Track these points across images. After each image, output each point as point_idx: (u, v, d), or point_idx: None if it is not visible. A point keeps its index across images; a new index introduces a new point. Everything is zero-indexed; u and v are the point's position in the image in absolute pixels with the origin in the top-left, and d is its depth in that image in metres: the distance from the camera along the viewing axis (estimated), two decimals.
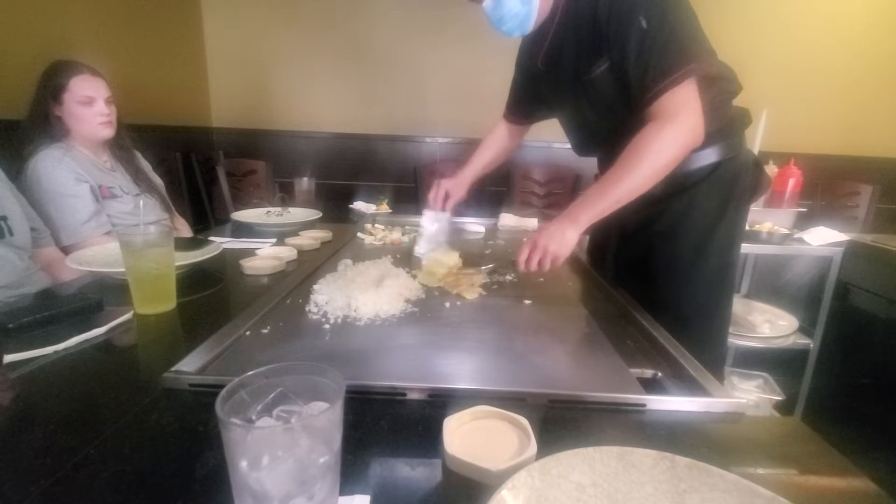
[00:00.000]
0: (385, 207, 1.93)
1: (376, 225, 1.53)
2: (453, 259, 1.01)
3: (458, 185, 1.30)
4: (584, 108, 1.02)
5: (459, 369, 0.66)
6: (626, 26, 0.83)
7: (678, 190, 0.97)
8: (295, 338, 0.72)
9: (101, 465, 0.43)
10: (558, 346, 0.75)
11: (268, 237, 1.37)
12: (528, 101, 1.24)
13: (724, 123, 0.97)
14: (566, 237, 0.87)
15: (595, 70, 0.91)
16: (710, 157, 0.96)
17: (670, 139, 0.83)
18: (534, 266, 0.88)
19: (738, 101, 1.01)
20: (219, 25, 3.14)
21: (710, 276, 0.99)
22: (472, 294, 0.92)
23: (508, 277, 0.98)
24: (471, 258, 1.10)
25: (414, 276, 0.98)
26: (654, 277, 1.00)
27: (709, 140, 0.92)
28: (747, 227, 1.71)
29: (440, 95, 3.23)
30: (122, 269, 0.80)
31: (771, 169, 2.02)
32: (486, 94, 3.22)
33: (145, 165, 1.68)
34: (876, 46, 3.02)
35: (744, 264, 2.31)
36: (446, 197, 1.28)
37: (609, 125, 0.99)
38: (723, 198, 0.97)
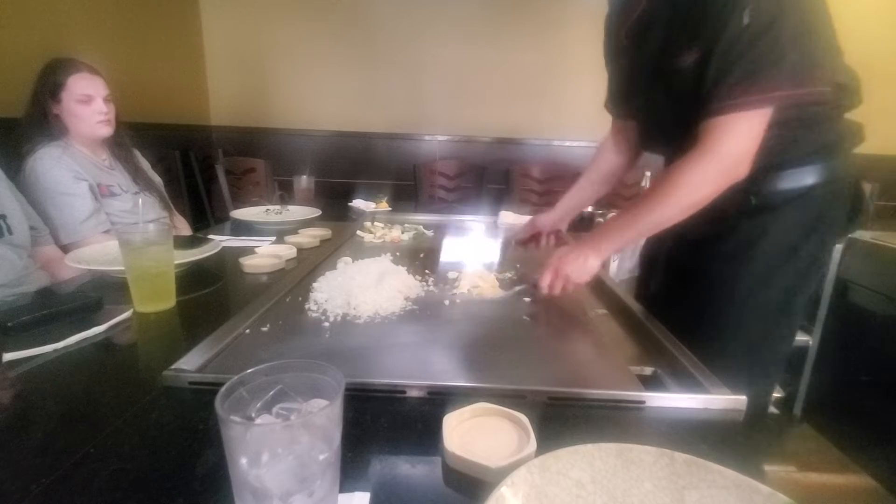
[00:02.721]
0: (384, 205, 1.93)
1: (376, 223, 1.53)
2: (489, 280, 1.01)
3: (553, 223, 1.12)
4: (659, 96, 0.89)
5: (459, 367, 0.66)
6: (727, 15, 0.69)
7: (754, 210, 0.84)
8: (295, 336, 0.72)
9: (100, 463, 0.43)
10: (558, 344, 0.75)
11: (267, 235, 1.37)
12: (618, 88, 1.05)
13: (828, 142, 0.82)
14: (587, 265, 0.83)
15: (683, 60, 0.78)
16: (800, 178, 0.82)
17: (708, 177, 0.75)
18: (556, 292, 0.86)
19: None
20: (217, 23, 3.14)
21: (769, 313, 0.86)
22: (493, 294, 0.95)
23: (526, 298, 0.97)
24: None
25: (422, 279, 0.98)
26: (705, 302, 0.88)
27: (802, 159, 0.80)
28: None
29: (439, 93, 3.22)
30: (122, 268, 0.80)
31: None
32: (485, 92, 3.24)
33: (144, 164, 1.68)
34: (875, 44, 3.01)
35: None
36: (537, 236, 1.11)
37: (681, 122, 0.84)
38: (805, 227, 0.83)
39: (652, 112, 0.95)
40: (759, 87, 0.69)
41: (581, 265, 0.84)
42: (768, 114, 0.72)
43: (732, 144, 0.73)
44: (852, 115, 0.84)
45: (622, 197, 2.85)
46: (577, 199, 1.15)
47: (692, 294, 0.91)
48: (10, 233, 1.09)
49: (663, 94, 0.88)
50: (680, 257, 0.97)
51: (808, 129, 0.79)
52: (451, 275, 1.01)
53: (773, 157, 0.79)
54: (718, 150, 0.74)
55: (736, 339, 0.86)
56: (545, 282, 0.86)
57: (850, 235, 1.93)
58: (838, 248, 1.87)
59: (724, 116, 0.72)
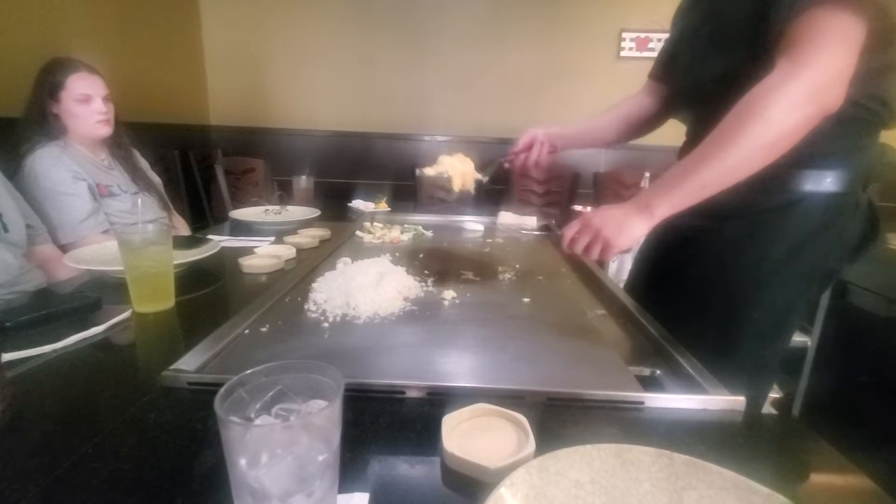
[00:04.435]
0: (384, 206, 1.93)
1: (375, 223, 1.53)
2: (468, 166, 1.00)
3: (549, 135, 0.98)
4: (703, 33, 0.76)
5: (458, 367, 0.66)
6: None
7: (740, 211, 0.75)
8: (294, 336, 0.72)
9: (99, 463, 0.43)
10: (557, 344, 0.75)
11: (266, 235, 1.36)
12: (670, 47, 0.94)
13: (850, 150, 0.72)
14: (629, 226, 0.68)
15: None
16: (802, 182, 0.71)
17: (796, 99, 0.58)
18: (580, 248, 0.72)
19: None
20: (217, 23, 3.14)
21: (745, 335, 0.77)
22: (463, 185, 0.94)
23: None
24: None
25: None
26: (680, 313, 0.77)
27: (811, 160, 0.70)
28: None
29: (439, 94, 3.23)
30: (121, 268, 0.80)
31: None
32: (485, 92, 3.24)
33: (143, 164, 1.68)
34: None
35: None
36: (529, 147, 0.97)
37: (720, 70, 0.71)
38: (797, 241, 0.73)
39: (693, 68, 0.82)
40: None
41: (621, 224, 0.68)
42: (853, 17, 0.57)
43: (825, 53, 0.57)
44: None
45: (621, 198, 2.85)
46: (586, 126, 1.02)
47: (676, 302, 0.84)
48: (6, 230, 1.09)
49: (708, 26, 0.77)
50: (662, 262, 0.92)
51: (835, 122, 0.67)
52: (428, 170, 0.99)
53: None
54: (807, 63, 0.57)
55: (725, 348, 0.78)
56: (570, 232, 0.73)
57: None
58: None
59: (811, 11, 0.57)
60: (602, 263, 0.76)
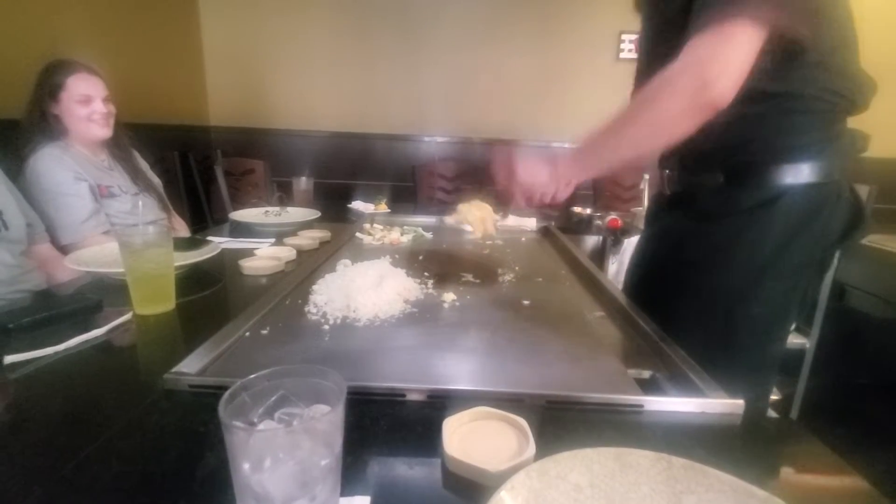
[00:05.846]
0: (384, 207, 1.93)
1: (375, 225, 1.53)
2: (487, 211, 1.01)
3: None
4: (648, 29, 0.84)
5: (458, 370, 0.66)
6: None
7: (727, 210, 0.79)
8: (294, 338, 0.72)
9: (102, 465, 0.43)
10: (556, 348, 0.75)
11: (266, 237, 1.37)
12: (638, 61, 0.96)
13: (821, 140, 0.75)
14: (550, 190, 0.82)
15: None
16: (782, 175, 0.74)
17: (680, 89, 0.65)
18: (532, 204, 0.85)
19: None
20: (216, 23, 3.14)
21: (747, 332, 0.79)
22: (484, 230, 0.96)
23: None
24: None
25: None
26: (679, 316, 0.80)
27: (788, 154, 0.74)
28: None
29: (439, 95, 3.23)
30: (121, 270, 0.80)
31: None
32: (485, 93, 3.24)
33: (143, 164, 1.68)
34: (872, 44, 3.02)
35: None
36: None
37: (655, 57, 0.76)
38: (786, 234, 0.76)
39: (644, 48, 0.91)
40: (748, 4, 0.62)
41: (546, 188, 0.82)
42: (752, 36, 0.62)
43: (711, 56, 0.63)
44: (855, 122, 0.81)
45: (620, 199, 2.86)
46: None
47: (674, 305, 0.85)
48: (6, 228, 1.09)
49: (650, 23, 0.85)
50: (660, 266, 0.94)
51: (802, 115, 0.73)
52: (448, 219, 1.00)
53: (756, 146, 0.76)
54: (694, 60, 0.64)
55: (729, 348, 0.80)
56: (503, 173, 0.85)
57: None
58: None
59: (701, 32, 0.64)
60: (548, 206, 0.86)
